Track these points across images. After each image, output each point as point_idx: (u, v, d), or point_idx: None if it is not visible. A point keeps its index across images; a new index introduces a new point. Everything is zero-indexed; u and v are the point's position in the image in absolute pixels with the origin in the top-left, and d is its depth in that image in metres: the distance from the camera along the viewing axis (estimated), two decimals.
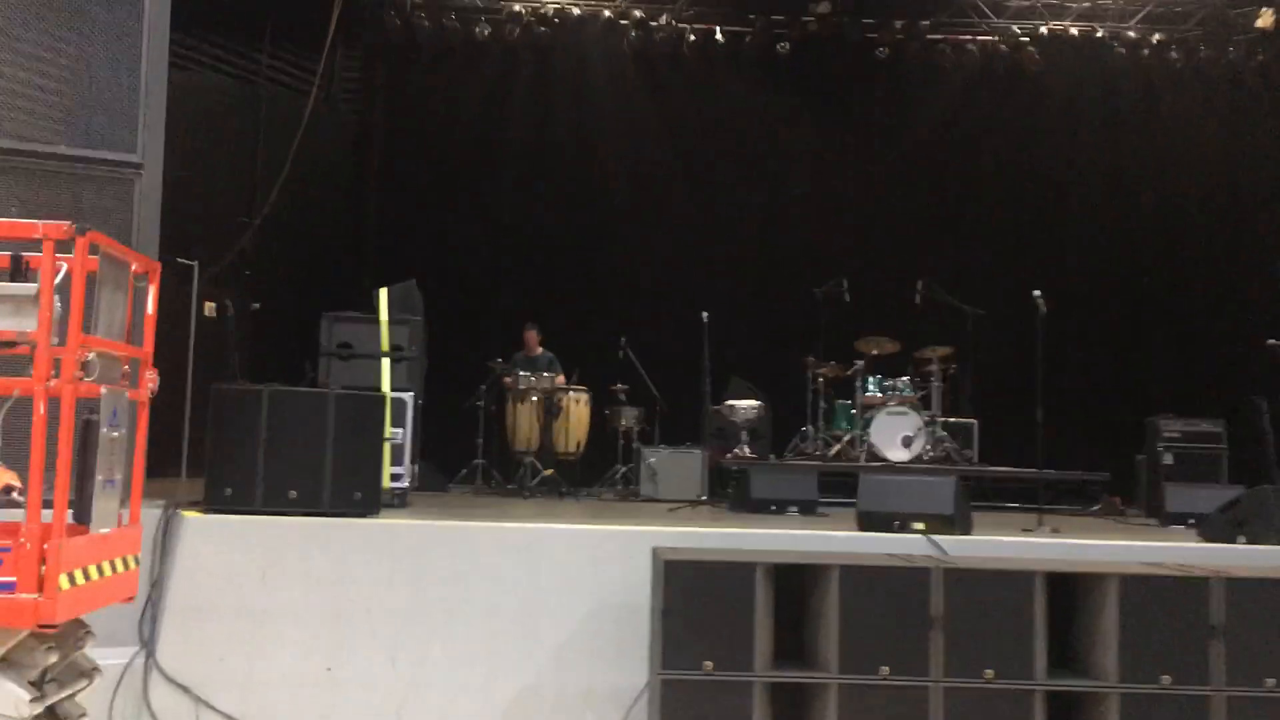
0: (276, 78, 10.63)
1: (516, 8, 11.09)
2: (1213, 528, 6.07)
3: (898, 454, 9.25)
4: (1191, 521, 6.84)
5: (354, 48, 11.34)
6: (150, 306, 3.67)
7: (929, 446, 9.38)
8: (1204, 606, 4.90)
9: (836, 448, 9.54)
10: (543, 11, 11.11)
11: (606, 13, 11.16)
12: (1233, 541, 5.89)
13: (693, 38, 11.22)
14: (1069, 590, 5.13)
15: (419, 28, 11.15)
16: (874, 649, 4.91)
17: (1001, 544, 5.78)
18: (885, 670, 4.89)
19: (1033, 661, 4.90)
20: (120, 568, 3.79)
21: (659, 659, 4.91)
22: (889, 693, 4.87)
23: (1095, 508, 8.71)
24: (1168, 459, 8.63)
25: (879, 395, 9.58)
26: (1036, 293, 7.03)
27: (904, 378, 9.64)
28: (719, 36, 11.25)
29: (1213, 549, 5.85)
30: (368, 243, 11.19)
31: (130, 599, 3.98)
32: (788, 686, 4.97)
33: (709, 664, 4.88)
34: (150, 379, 3.71)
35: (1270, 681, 4.86)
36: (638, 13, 11.17)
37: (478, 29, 11.10)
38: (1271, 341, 7.97)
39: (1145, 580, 4.98)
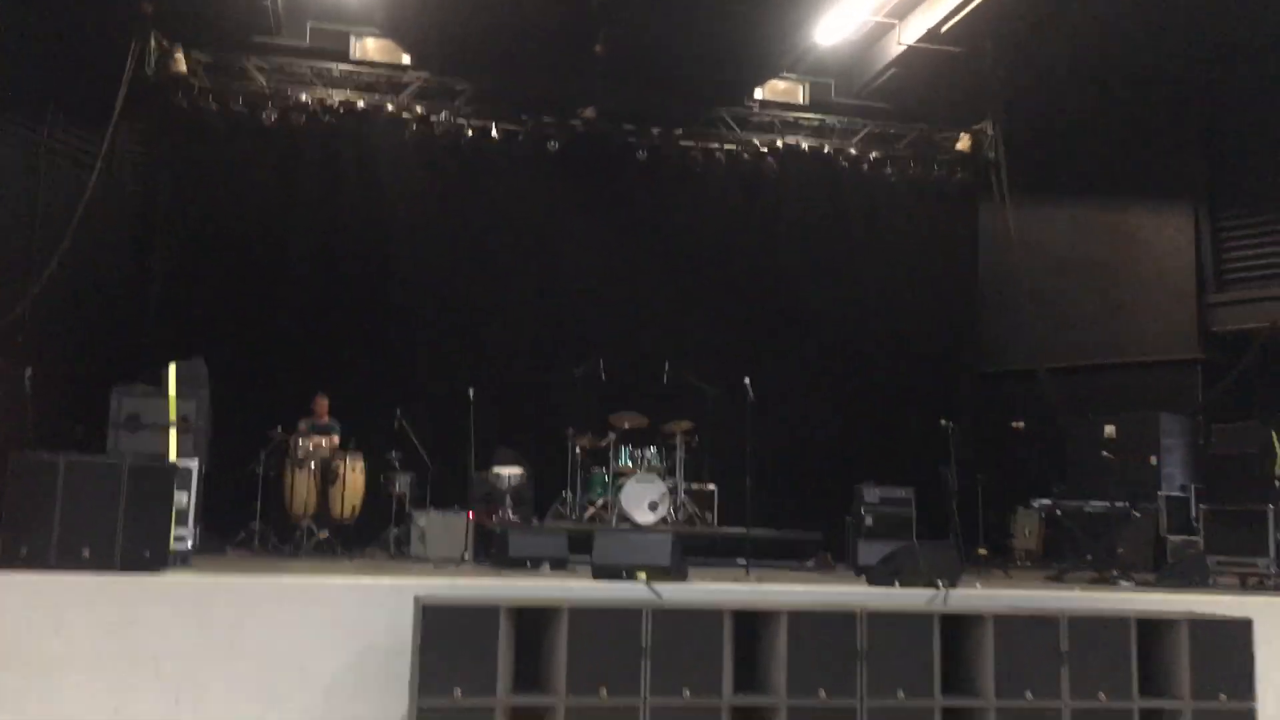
0: (57, 150, 11.09)
1: (303, 98, 12.03)
2: (875, 575, 7.63)
3: (645, 517, 10.61)
4: None
5: (139, 123, 11.83)
6: None
7: (673, 510, 10.79)
8: (853, 635, 6.34)
9: (591, 511, 10.81)
10: (329, 103, 12.09)
11: (389, 106, 12.26)
12: (890, 585, 7.45)
13: (470, 133, 12.46)
14: (753, 625, 6.49)
15: (206, 110, 11.89)
16: (596, 674, 6.06)
17: (708, 589, 7.12)
18: (604, 692, 6.07)
19: (721, 682, 6.19)
20: None
21: (417, 689, 5.92)
22: (608, 711, 6.05)
23: (809, 563, 10.28)
24: (869, 520, 10.38)
25: (629, 464, 10.93)
26: (746, 380, 8.51)
27: (652, 448, 11.04)
28: (494, 133, 12.53)
29: (872, 591, 7.38)
30: (149, 313, 11.70)
31: None
32: (526, 709, 6.08)
33: (459, 691, 5.92)
34: None
35: (900, 693, 6.33)
36: (419, 109, 12.33)
37: (264, 114, 11.96)
38: (944, 422, 9.79)
39: (808, 615, 6.39)
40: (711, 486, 11.44)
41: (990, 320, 13.74)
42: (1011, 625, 6.51)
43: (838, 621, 6.39)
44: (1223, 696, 6.50)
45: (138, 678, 6.11)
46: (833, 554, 10.43)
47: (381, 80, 12.42)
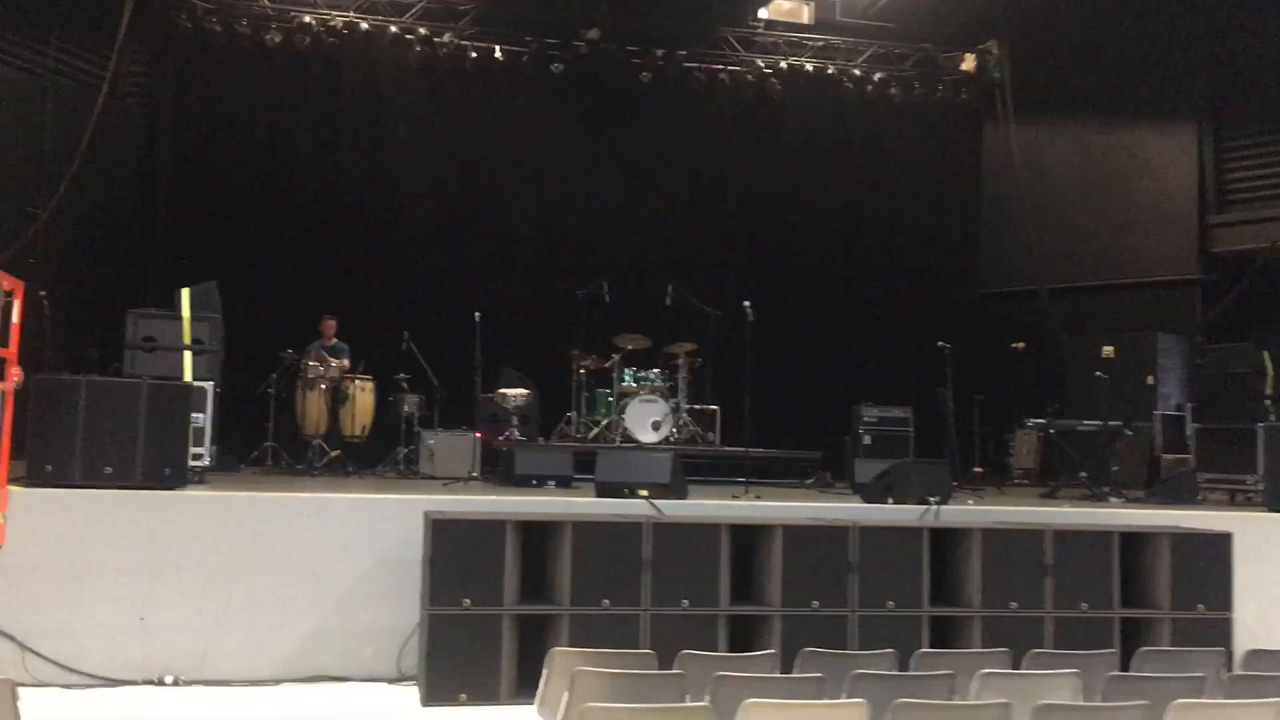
0: (63, 71, 11.16)
1: (307, 19, 12.04)
2: (869, 492, 7.89)
3: (648, 436, 10.85)
4: None
5: (143, 45, 11.90)
6: (15, 316, 4.69)
7: (675, 430, 11.04)
8: (844, 549, 6.62)
9: (595, 430, 11.07)
10: (332, 24, 12.10)
11: (393, 28, 12.27)
12: (883, 502, 7.71)
13: (474, 54, 12.48)
14: (750, 539, 6.77)
15: (210, 31, 11.91)
16: (598, 586, 6.36)
17: (707, 506, 7.39)
18: (606, 602, 6.37)
19: (719, 593, 6.49)
20: None
21: (428, 598, 6.23)
22: (609, 620, 6.34)
23: (809, 481, 10.56)
24: (866, 439, 10.61)
25: (633, 385, 11.16)
26: (746, 304, 8.68)
27: (655, 370, 11.25)
28: (499, 55, 12.54)
29: (867, 508, 7.65)
30: (157, 235, 11.87)
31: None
32: (531, 617, 6.38)
33: (468, 601, 6.23)
34: (15, 374, 4.73)
35: (890, 603, 6.61)
36: (422, 30, 12.33)
37: (268, 36, 11.99)
38: (940, 344, 9.98)
39: (802, 529, 6.67)
40: (714, 407, 11.67)
41: (992, 241, 13.84)
42: (998, 539, 6.79)
43: (831, 536, 6.67)
44: (1201, 607, 6.79)
45: (161, 587, 6.43)
46: (833, 472, 10.68)
47: (385, 1, 12.40)
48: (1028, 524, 6.97)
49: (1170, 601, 6.77)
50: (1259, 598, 7.32)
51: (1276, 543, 7.68)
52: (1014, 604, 6.68)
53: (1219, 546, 6.87)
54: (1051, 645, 6.46)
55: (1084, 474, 10.04)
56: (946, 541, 6.89)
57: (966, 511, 7.59)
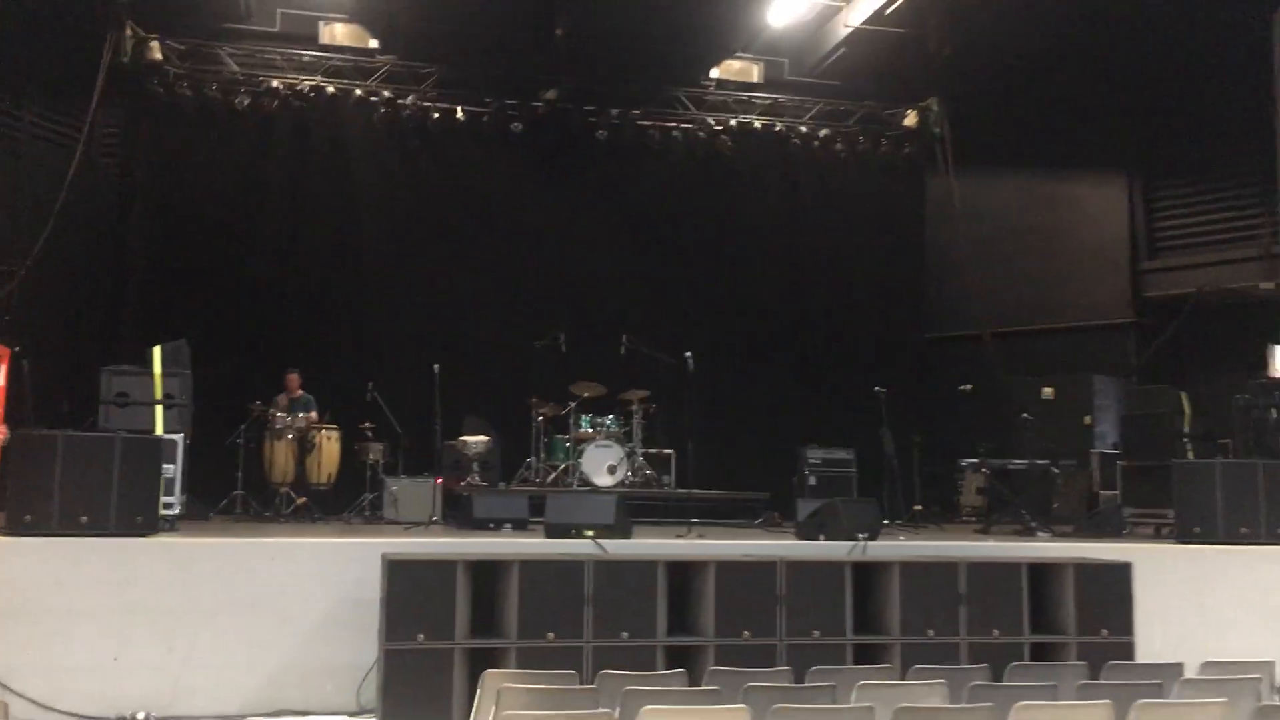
0: (39, 133, 11.72)
1: (274, 83, 12.69)
2: (803, 529, 8.50)
3: (605, 480, 11.43)
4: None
5: (117, 108, 12.44)
6: (2, 379, 5.25)
7: (631, 473, 11.63)
8: (773, 582, 7.20)
9: (553, 475, 11.64)
10: (299, 88, 12.74)
11: (358, 91, 12.94)
12: (816, 539, 8.31)
13: (437, 115, 13.15)
14: (687, 575, 7.35)
15: (181, 95, 12.53)
16: (544, 620, 6.92)
17: (647, 545, 7.97)
18: (551, 635, 6.92)
19: (656, 625, 7.06)
20: None
21: (384, 634, 6.76)
22: (553, 651, 6.87)
23: (758, 521, 11.14)
24: (811, 480, 11.22)
25: (590, 431, 11.75)
26: (688, 354, 9.31)
27: (610, 416, 11.85)
28: (460, 115, 13.22)
29: (800, 544, 8.25)
30: (130, 292, 12.40)
31: None
32: (481, 650, 6.90)
33: (421, 636, 6.77)
34: (2, 432, 5.28)
35: (816, 632, 7.19)
36: (386, 93, 13.00)
37: (237, 100, 12.63)
38: (877, 389, 10.63)
39: (734, 565, 7.26)
40: (669, 451, 12.25)
41: (936, 288, 14.55)
42: (916, 571, 7.39)
43: (760, 570, 7.25)
44: (1104, 632, 7.39)
45: (134, 629, 6.94)
46: (781, 513, 11.25)
47: (350, 65, 13.08)
48: (944, 557, 7.58)
49: (1076, 627, 7.37)
50: (1166, 622, 7.94)
51: (1181, 572, 8.32)
52: (931, 631, 7.27)
53: (1120, 575, 7.50)
54: None
55: (1024, 511, 10.68)
56: (870, 575, 7.48)
57: (889, 546, 8.19)
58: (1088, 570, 7.49)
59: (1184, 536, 8.85)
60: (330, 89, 12.86)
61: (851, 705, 4.18)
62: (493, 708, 4.09)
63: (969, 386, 13.32)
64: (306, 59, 12.93)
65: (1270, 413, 9.37)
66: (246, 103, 12.64)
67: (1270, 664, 5.35)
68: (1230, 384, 10.69)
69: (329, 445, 10.71)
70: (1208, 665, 5.37)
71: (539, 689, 4.46)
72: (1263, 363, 10.26)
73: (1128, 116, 13.45)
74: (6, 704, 4.07)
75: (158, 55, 12.41)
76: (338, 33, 13.17)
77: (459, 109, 13.22)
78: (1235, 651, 7.18)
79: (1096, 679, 5.27)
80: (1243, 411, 9.61)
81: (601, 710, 3.95)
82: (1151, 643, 7.68)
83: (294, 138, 12.92)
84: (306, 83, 12.82)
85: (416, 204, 13.15)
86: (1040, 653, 7.33)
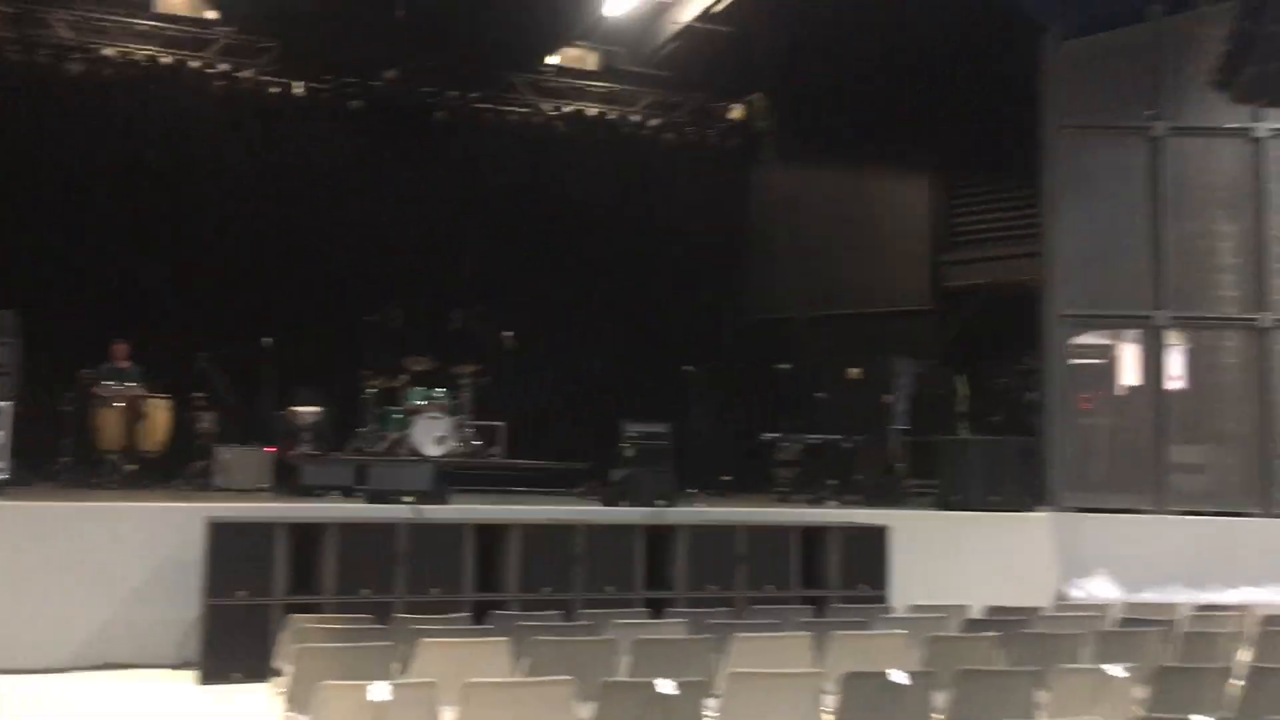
0: None
1: (108, 52, 12.85)
2: (609, 495, 9.42)
3: (433, 450, 12.09)
4: None
5: None
6: None
7: (460, 444, 12.35)
8: (572, 543, 8.08)
9: (384, 445, 12.27)
10: (133, 57, 12.94)
11: (194, 63, 13.22)
12: (618, 505, 9.24)
13: (275, 90, 13.53)
14: (495, 537, 8.15)
15: (11, 60, 12.58)
16: (360, 577, 7.63)
17: (460, 509, 8.75)
18: (366, 592, 7.64)
19: (463, 583, 7.85)
20: None
21: (207, 592, 7.39)
22: (369, 606, 7.49)
23: (579, 489, 12.01)
24: (629, 452, 12.13)
25: (421, 403, 12.41)
26: (509, 333, 10.07)
27: (441, 389, 12.53)
28: (298, 90, 13.62)
29: (606, 510, 9.16)
30: None
31: None
32: (300, 605, 7.56)
33: (242, 593, 7.42)
34: None
35: (609, 588, 8.10)
36: (224, 65, 13.31)
37: (69, 65, 12.76)
38: (687, 368, 11.62)
39: (537, 527, 8.11)
40: (499, 423, 13.02)
41: (758, 274, 15.65)
42: (702, 534, 8.37)
43: (561, 533, 8.13)
44: (863, 586, 8.52)
45: None
46: (603, 481, 12.15)
47: (186, 35, 13.31)
48: (724, 521, 8.59)
49: (840, 582, 8.48)
50: (924, 578, 9.07)
51: (939, 535, 9.56)
52: (713, 587, 8.26)
53: (877, 538, 8.64)
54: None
55: (827, 481, 11.82)
56: (662, 538, 8.42)
57: (686, 513, 9.17)
58: (850, 534, 8.61)
59: (945, 504, 10.10)
60: (166, 59, 13.09)
61: (598, 638, 5.08)
62: (293, 645, 4.83)
63: (787, 365, 14.46)
64: (141, 28, 13.11)
65: (1025, 395, 10.69)
66: (79, 70, 12.76)
67: (964, 607, 6.46)
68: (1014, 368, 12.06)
69: (159, 414, 11.05)
70: (913, 607, 6.47)
71: (335, 627, 5.22)
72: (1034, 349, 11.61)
73: (931, 119, 14.70)
74: None
75: None
76: (174, 2, 13.39)
77: (297, 85, 13.60)
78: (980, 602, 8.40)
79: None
80: (1003, 394, 10.92)
81: (386, 642, 4.73)
82: (912, 597, 8.84)
83: (128, 107, 13.01)
84: (141, 52, 13.01)
85: (252, 177, 13.43)
86: (810, 605, 8.40)
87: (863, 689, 4.23)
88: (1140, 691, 4.54)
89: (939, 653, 4.96)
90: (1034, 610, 6.47)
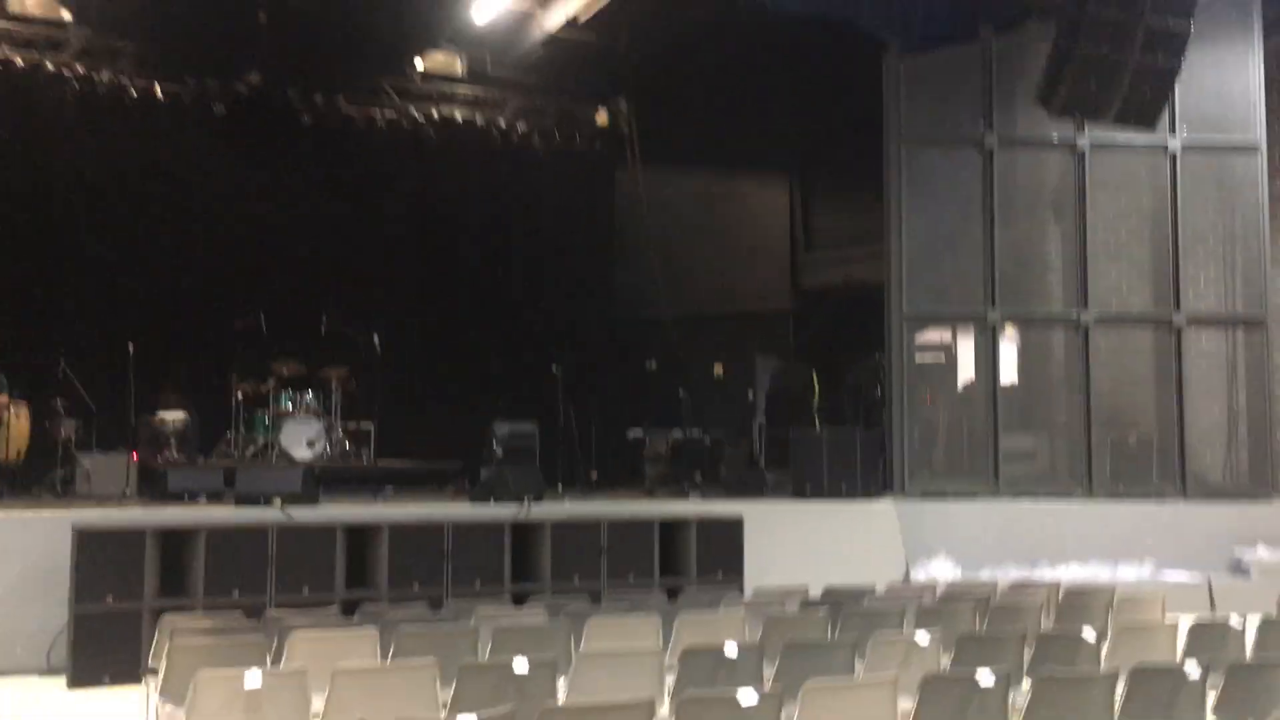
0: None
1: None
2: (477, 493, 9.78)
3: (303, 454, 12.27)
4: None
5: None
6: None
7: (329, 446, 12.53)
8: (440, 540, 8.41)
9: (253, 450, 12.39)
10: None
11: (49, 66, 13.05)
12: (488, 502, 9.60)
13: (134, 94, 13.43)
14: (365, 537, 8.44)
15: None
16: (230, 580, 7.83)
17: (330, 512, 9.00)
18: (236, 593, 7.84)
19: (335, 582, 8.12)
20: None
21: (74, 599, 7.50)
22: (239, 607, 7.80)
23: (449, 487, 12.32)
24: (499, 451, 12.50)
25: (289, 407, 12.56)
26: (375, 335, 10.34)
27: (310, 392, 12.69)
28: (159, 94, 13.56)
29: (474, 508, 9.51)
30: None
31: None
32: (172, 610, 7.73)
33: (110, 598, 7.55)
34: None
35: (477, 582, 8.44)
36: (80, 68, 13.18)
37: None
38: (554, 367, 12.03)
39: (406, 527, 8.42)
40: (368, 425, 13.23)
41: (625, 274, 16.16)
42: (566, 528, 8.80)
43: (429, 531, 8.45)
44: (720, 573, 9.06)
45: None
46: (471, 480, 12.48)
47: (40, 36, 13.13)
48: (586, 516, 9.04)
49: (696, 571, 9.01)
50: (779, 564, 9.68)
51: (793, 523, 10.19)
52: (577, 578, 8.70)
53: (733, 529, 9.19)
54: None
55: (692, 475, 12.37)
56: (528, 532, 8.82)
57: (551, 508, 9.58)
58: (707, 525, 9.14)
59: (799, 494, 10.75)
60: (19, 61, 12.90)
61: (462, 625, 5.46)
62: (167, 642, 5.08)
63: (653, 364, 15.00)
64: None
65: (875, 391, 11.42)
66: None
67: (802, 589, 7.04)
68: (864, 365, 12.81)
69: (17, 422, 10.96)
70: (758, 590, 7.02)
71: (208, 624, 5.48)
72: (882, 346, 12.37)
73: (788, 123, 15.40)
74: None
75: None
76: (27, 2, 13.19)
77: (157, 87, 13.54)
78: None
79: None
80: (853, 389, 11.65)
81: (259, 636, 5.02)
82: (768, 583, 9.41)
83: None
84: None
85: (113, 181, 13.33)
86: (670, 594, 8.90)
87: (699, 662, 4.71)
88: (945, 657, 5.14)
89: (773, 629, 5.49)
90: (868, 590, 7.06)
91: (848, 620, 5.82)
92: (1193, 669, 4.45)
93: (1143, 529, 10.74)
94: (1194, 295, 11.63)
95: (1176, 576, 10.40)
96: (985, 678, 4.24)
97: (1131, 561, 10.55)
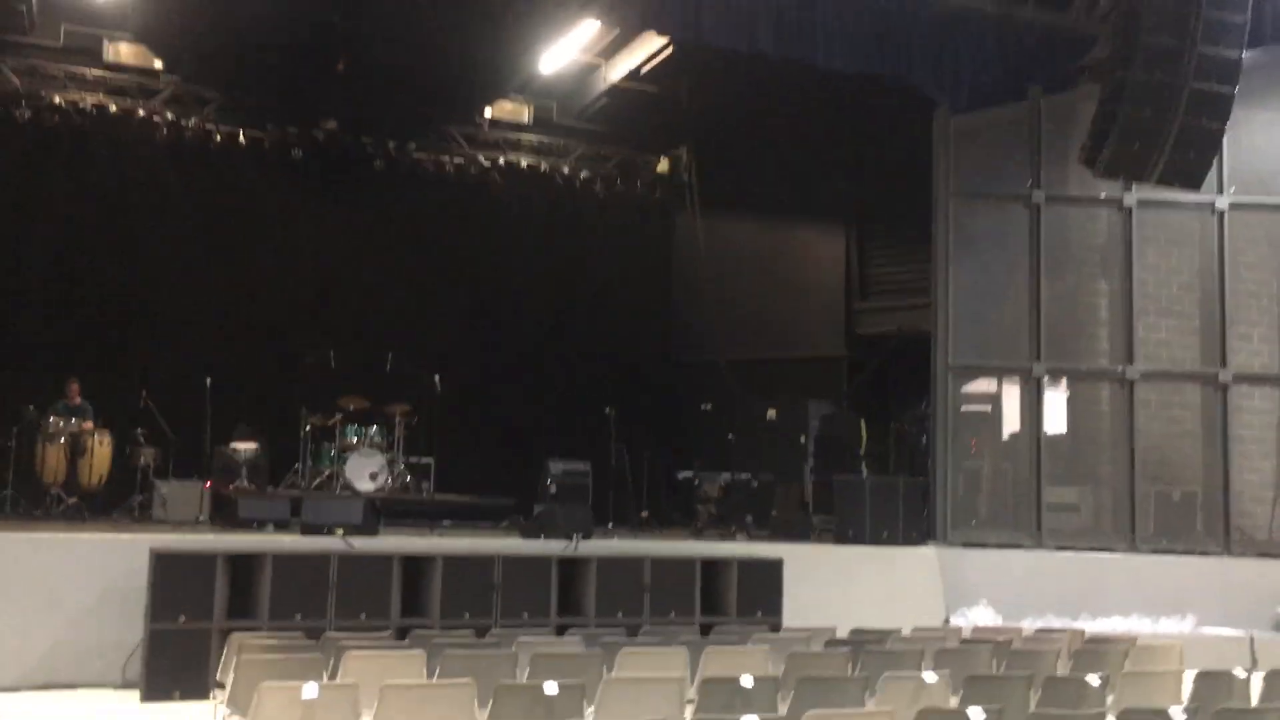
0: None
1: (57, 100, 13.58)
2: (528, 530, 10.28)
3: (366, 486, 12.89)
4: None
5: None
6: None
7: (391, 479, 13.15)
8: (491, 572, 8.91)
9: (319, 480, 13.04)
10: (81, 105, 13.68)
11: (141, 112, 13.97)
12: (538, 538, 10.10)
13: (219, 139, 14.32)
14: (420, 567, 8.97)
15: None
16: (293, 604, 8.39)
17: (389, 542, 9.56)
18: (299, 617, 8.40)
19: (390, 609, 8.65)
20: None
21: (149, 616, 8.12)
22: (302, 630, 8.36)
23: (504, 524, 12.84)
24: (553, 489, 13.02)
25: (354, 440, 13.20)
26: (437, 376, 10.92)
27: (374, 427, 13.33)
28: (242, 140, 14.43)
29: (525, 543, 10.02)
30: None
31: None
32: (239, 630, 8.32)
33: (183, 617, 8.16)
34: None
35: (525, 614, 8.93)
36: (169, 114, 14.09)
37: (17, 112, 13.47)
38: (607, 409, 12.52)
39: (458, 559, 8.94)
40: (429, 459, 13.82)
41: (682, 318, 16.66)
42: (611, 565, 9.25)
43: (480, 563, 8.96)
44: (759, 613, 9.44)
45: None
46: (525, 517, 12.99)
47: (133, 84, 14.08)
48: (631, 553, 9.49)
49: (737, 610, 9.40)
50: (819, 606, 10.04)
51: (834, 567, 10.53)
52: (620, 613, 9.13)
53: (773, 570, 9.58)
54: None
55: (746, 517, 12.76)
56: (574, 568, 9.29)
57: (598, 545, 10.04)
58: (747, 565, 9.54)
59: (841, 538, 11.09)
60: (113, 107, 13.84)
61: (502, 651, 5.94)
62: (235, 657, 5.63)
63: (708, 406, 15.45)
64: (90, 77, 13.85)
65: (921, 439, 11.75)
66: (27, 116, 13.47)
67: (831, 629, 7.40)
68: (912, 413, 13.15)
69: (100, 449, 11.71)
70: (786, 629, 7.40)
71: (272, 641, 6.02)
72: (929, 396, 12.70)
73: (845, 174, 15.83)
74: None
75: None
76: (122, 51, 14.13)
77: (241, 133, 14.41)
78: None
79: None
80: (899, 438, 11.98)
81: (317, 654, 5.55)
82: (807, 623, 9.78)
83: (75, 153, 13.76)
84: (89, 100, 13.75)
85: (197, 222, 14.18)
86: (709, 631, 9.30)
87: (718, 691, 5.13)
88: (955, 697, 5.49)
89: (794, 664, 5.88)
90: (893, 632, 7.40)
91: (867, 659, 6.19)
92: (1178, 714, 4.76)
93: (1185, 583, 10.90)
94: (1246, 353, 11.80)
95: (1218, 632, 10.54)
96: (976, 714, 4.60)
97: (1174, 616, 10.71)
